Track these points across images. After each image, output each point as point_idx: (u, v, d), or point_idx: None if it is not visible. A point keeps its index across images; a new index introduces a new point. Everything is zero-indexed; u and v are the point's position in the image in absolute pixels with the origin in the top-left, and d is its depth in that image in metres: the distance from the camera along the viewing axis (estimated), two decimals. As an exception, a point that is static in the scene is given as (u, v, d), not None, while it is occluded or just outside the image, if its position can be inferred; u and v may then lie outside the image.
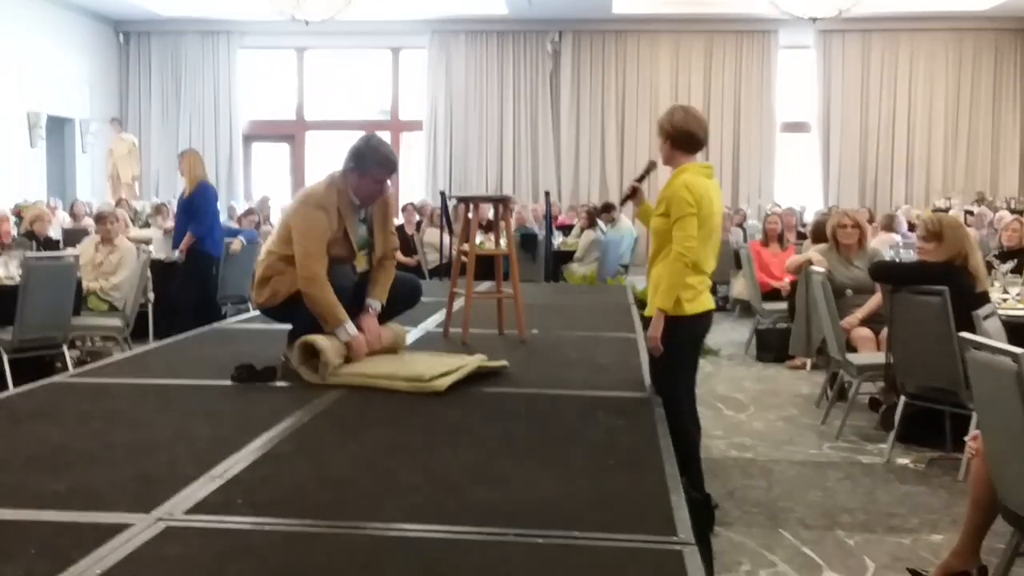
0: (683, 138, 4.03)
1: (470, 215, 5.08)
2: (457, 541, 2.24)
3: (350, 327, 3.98)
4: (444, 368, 3.84)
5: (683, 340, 4.01)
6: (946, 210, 14.20)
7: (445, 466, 2.84)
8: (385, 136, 14.16)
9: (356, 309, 4.13)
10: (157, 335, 8.81)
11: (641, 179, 4.36)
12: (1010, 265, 7.04)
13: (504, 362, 4.18)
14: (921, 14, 17.07)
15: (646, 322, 4.20)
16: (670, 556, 2.15)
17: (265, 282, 4.17)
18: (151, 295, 8.65)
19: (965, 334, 3.28)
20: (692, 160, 4.04)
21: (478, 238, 6.00)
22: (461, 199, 5.17)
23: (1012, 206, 15.54)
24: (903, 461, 5.39)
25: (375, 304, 4.20)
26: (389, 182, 4.17)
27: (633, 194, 4.35)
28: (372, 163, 4.04)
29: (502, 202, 5.19)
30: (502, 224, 5.39)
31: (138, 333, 8.00)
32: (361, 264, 4.24)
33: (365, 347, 4.02)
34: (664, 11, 17.19)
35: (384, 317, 4.28)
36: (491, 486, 2.63)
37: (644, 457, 2.92)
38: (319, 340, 3.91)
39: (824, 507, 4.65)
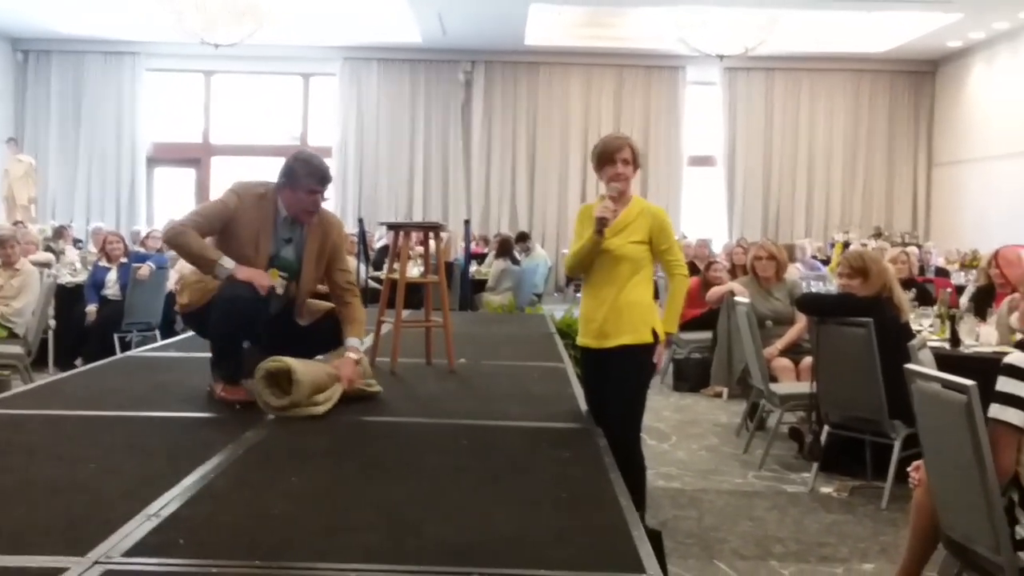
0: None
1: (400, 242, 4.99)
2: (419, 581, 2.14)
3: (226, 261, 3.82)
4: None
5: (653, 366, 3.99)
6: (847, 244, 14.63)
7: (395, 501, 2.73)
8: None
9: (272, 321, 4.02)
10: (58, 363, 8.47)
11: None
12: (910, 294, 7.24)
13: (378, 388, 4.16)
14: (822, 55, 17.65)
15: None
16: (642, 594, 2.10)
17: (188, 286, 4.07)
18: (52, 322, 8.31)
19: (912, 366, 3.32)
20: None
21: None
22: (392, 226, 5.06)
23: (906, 240, 16.10)
24: (826, 490, 5.45)
25: (354, 342, 4.06)
26: (322, 197, 4.03)
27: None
28: (303, 174, 3.95)
29: (433, 229, 5.10)
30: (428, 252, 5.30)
31: (36, 361, 7.66)
32: (274, 281, 4.00)
33: (257, 274, 3.84)
34: (575, 44, 17.40)
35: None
36: (446, 522, 2.53)
37: (597, 490, 2.85)
38: (297, 370, 3.73)
39: (756, 537, 4.66)
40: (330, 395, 3.82)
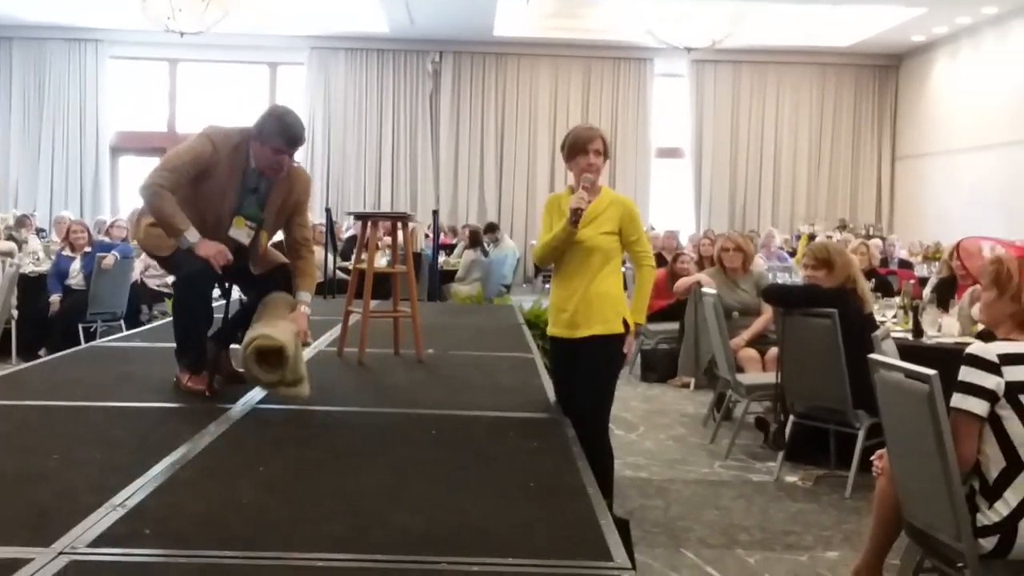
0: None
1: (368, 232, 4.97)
2: (387, 571, 2.14)
3: (191, 235, 3.78)
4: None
5: (623, 356, 4.01)
6: (812, 236, 14.75)
7: (361, 491, 2.73)
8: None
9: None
10: (21, 354, 8.37)
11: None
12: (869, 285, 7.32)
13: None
14: (788, 48, 17.77)
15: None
16: (610, 582, 2.11)
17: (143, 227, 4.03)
18: (15, 312, 8.20)
19: (875, 355, 3.36)
20: None
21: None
22: (360, 216, 5.04)
23: (870, 233, 16.27)
24: (791, 479, 5.50)
25: (305, 296, 4.07)
26: (289, 158, 3.97)
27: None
28: (270, 131, 3.88)
29: (400, 219, 5.09)
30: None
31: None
32: (239, 229, 4.01)
33: (217, 253, 3.80)
34: (544, 35, 17.39)
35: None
36: (413, 512, 2.53)
37: (565, 480, 2.87)
38: (288, 346, 3.68)
39: (722, 526, 4.70)
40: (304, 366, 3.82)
